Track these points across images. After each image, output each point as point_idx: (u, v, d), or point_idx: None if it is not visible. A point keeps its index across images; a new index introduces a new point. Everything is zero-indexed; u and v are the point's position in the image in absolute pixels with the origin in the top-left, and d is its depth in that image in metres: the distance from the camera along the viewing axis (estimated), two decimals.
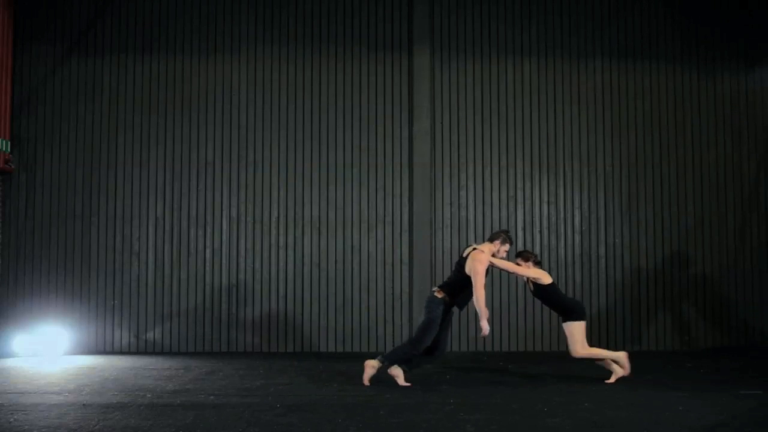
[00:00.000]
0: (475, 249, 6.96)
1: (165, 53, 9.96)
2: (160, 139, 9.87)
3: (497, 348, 9.46)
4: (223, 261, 9.76)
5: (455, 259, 9.78)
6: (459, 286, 6.94)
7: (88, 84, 9.92)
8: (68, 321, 9.49)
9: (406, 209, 9.87)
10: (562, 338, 9.69)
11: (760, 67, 10.27)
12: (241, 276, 9.75)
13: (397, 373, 6.89)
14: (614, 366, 7.17)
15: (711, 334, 9.93)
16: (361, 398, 6.20)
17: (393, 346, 9.62)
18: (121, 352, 9.50)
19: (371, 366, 6.88)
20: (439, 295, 6.92)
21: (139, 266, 9.73)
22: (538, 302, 9.77)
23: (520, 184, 9.98)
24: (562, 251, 9.90)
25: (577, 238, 9.92)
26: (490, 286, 9.76)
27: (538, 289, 7.18)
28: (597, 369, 7.48)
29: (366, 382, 6.82)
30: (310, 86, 9.99)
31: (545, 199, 9.98)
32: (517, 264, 7.26)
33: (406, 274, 9.73)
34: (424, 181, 9.79)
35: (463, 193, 9.94)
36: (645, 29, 10.21)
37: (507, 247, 7.13)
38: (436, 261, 9.76)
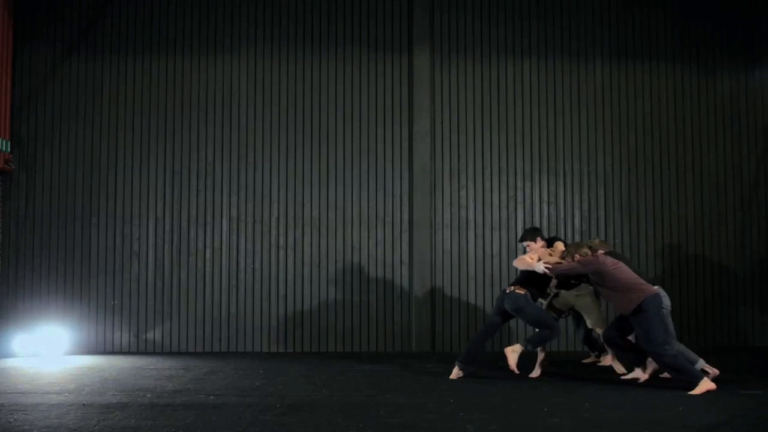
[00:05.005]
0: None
1: (165, 53, 9.96)
2: (160, 139, 9.87)
3: (497, 348, 9.44)
4: (223, 261, 9.77)
5: (455, 259, 9.81)
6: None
7: (88, 84, 9.91)
8: (68, 321, 9.49)
9: (406, 209, 9.87)
10: (562, 338, 9.71)
11: (760, 67, 10.27)
12: (241, 276, 9.75)
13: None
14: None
15: (710, 334, 9.93)
16: (361, 398, 6.20)
17: (393, 346, 9.65)
18: (121, 352, 9.50)
19: (513, 351, 7.12)
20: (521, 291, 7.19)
21: (139, 266, 9.73)
22: (538, 303, 9.78)
23: (520, 185, 9.98)
24: None
25: (577, 238, 9.92)
26: (490, 287, 9.78)
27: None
28: (597, 369, 7.49)
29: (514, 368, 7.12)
30: (310, 86, 9.99)
31: (545, 199, 9.98)
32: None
33: (406, 274, 9.73)
34: (424, 181, 9.79)
35: (463, 193, 9.95)
36: (645, 29, 10.21)
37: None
38: (436, 261, 9.76)
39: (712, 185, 10.10)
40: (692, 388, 6.41)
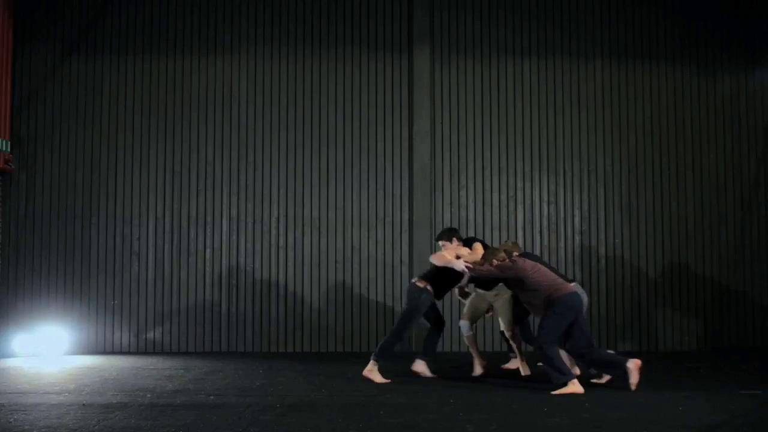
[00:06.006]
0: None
1: (165, 53, 9.96)
2: (160, 139, 9.87)
3: (497, 348, 9.44)
4: (223, 261, 9.77)
5: None
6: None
7: (88, 84, 9.91)
8: (68, 321, 9.48)
9: (406, 209, 9.87)
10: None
11: (760, 67, 10.27)
12: (241, 276, 9.75)
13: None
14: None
15: (711, 334, 9.93)
16: (361, 398, 6.20)
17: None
18: (121, 352, 9.50)
19: (369, 371, 7.07)
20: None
21: (139, 266, 9.73)
22: None
23: (520, 184, 9.98)
24: (562, 251, 9.90)
25: (577, 238, 9.93)
26: None
27: None
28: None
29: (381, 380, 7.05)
30: (310, 86, 9.99)
31: (545, 199, 9.98)
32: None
33: (406, 274, 9.72)
34: (424, 181, 9.79)
35: (463, 193, 9.95)
36: (645, 29, 10.21)
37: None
38: None
39: (712, 185, 10.10)
40: (557, 388, 6.39)
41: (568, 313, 6.57)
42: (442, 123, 9.98)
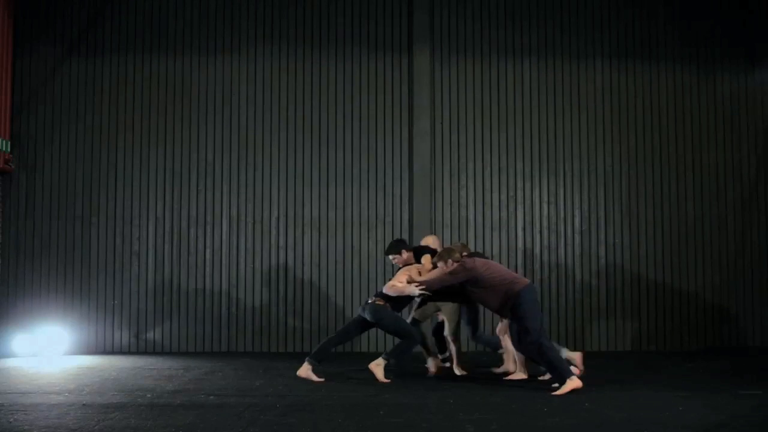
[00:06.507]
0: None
1: (165, 53, 9.96)
2: (160, 139, 9.87)
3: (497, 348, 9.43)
4: (223, 261, 9.77)
5: None
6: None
7: (88, 84, 9.92)
8: (68, 321, 9.48)
9: (406, 209, 9.87)
10: (562, 338, 9.71)
11: (760, 67, 10.27)
12: (241, 276, 9.75)
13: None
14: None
15: (710, 334, 9.93)
16: (361, 398, 6.20)
17: (393, 346, 9.61)
18: (121, 352, 9.50)
19: (377, 365, 7.06)
20: None
21: (139, 266, 9.73)
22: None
23: (520, 184, 9.98)
24: (562, 251, 9.90)
25: (577, 238, 9.93)
26: None
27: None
28: (597, 370, 7.49)
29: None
30: (310, 86, 9.99)
31: (545, 199, 9.98)
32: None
33: None
34: (424, 181, 9.79)
35: (463, 193, 9.94)
36: (645, 29, 10.21)
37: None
38: None
39: (712, 185, 10.10)
40: (559, 387, 6.37)
41: (535, 306, 6.60)
42: (442, 123, 9.98)
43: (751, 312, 9.98)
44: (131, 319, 9.65)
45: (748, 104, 10.22)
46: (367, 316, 7.20)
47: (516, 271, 9.76)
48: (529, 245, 9.84)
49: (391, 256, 7.61)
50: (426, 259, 7.41)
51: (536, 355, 6.56)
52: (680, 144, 10.12)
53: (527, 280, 6.83)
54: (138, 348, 9.61)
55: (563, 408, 5.73)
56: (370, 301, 7.25)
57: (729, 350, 9.68)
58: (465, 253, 7.12)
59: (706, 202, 10.07)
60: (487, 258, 7.48)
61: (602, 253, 9.93)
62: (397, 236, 9.70)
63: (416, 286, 6.94)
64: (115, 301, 9.67)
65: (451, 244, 8.98)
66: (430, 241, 7.88)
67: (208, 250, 9.78)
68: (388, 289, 7.10)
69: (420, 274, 7.19)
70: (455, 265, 6.78)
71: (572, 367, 6.75)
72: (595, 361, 8.66)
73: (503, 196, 9.96)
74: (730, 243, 10.03)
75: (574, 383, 6.32)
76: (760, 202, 10.12)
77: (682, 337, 9.91)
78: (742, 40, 10.26)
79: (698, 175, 10.10)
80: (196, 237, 9.79)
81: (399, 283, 7.08)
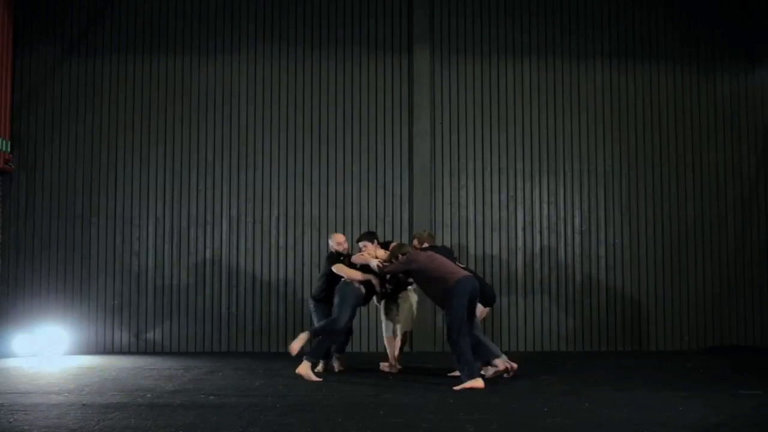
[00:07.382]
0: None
1: (165, 53, 9.96)
2: (160, 139, 9.87)
3: (505, 348, 9.43)
4: (223, 261, 9.76)
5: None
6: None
7: (88, 84, 9.92)
8: (68, 321, 9.48)
9: (406, 209, 9.87)
10: (562, 338, 9.72)
11: (760, 67, 10.27)
12: (241, 276, 9.75)
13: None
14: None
15: (710, 334, 9.93)
16: (361, 398, 6.20)
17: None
18: (121, 352, 9.50)
19: (300, 339, 7.34)
20: None
21: (139, 266, 9.73)
22: (538, 303, 9.80)
23: (520, 184, 9.98)
24: (562, 251, 9.90)
25: (577, 238, 9.92)
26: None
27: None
28: (597, 370, 7.48)
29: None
30: (310, 86, 9.99)
31: (545, 199, 9.98)
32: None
33: None
34: (424, 180, 9.79)
35: (463, 193, 9.94)
36: (645, 29, 10.21)
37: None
38: None
39: (712, 185, 10.10)
40: (461, 383, 6.56)
41: (463, 294, 6.71)
42: (442, 123, 9.98)
43: (751, 312, 9.97)
44: (131, 319, 9.65)
45: (748, 104, 10.22)
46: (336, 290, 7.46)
47: (516, 271, 9.81)
48: (529, 245, 9.84)
49: (361, 243, 7.90)
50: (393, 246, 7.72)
51: (451, 347, 6.81)
52: (680, 144, 10.12)
53: (463, 274, 6.91)
54: (138, 348, 9.61)
55: (563, 408, 5.73)
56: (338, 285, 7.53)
57: (729, 350, 9.68)
58: (426, 245, 7.57)
59: (706, 201, 10.07)
60: (452, 252, 7.79)
61: (602, 253, 9.93)
62: (397, 236, 9.72)
63: (377, 262, 7.34)
64: (115, 301, 9.67)
65: (443, 242, 9.07)
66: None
67: (208, 250, 9.78)
68: (355, 258, 7.62)
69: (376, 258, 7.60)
70: (404, 257, 7.18)
71: (491, 368, 7.08)
72: (595, 361, 8.69)
73: (503, 196, 9.96)
74: (730, 242, 10.03)
75: (475, 383, 6.55)
76: (760, 202, 10.12)
77: (682, 337, 9.91)
78: (742, 40, 10.26)
79: (698, 174, 10.10)
80: (196, 237, 9.79)
81: (367, 254, 7.53)
